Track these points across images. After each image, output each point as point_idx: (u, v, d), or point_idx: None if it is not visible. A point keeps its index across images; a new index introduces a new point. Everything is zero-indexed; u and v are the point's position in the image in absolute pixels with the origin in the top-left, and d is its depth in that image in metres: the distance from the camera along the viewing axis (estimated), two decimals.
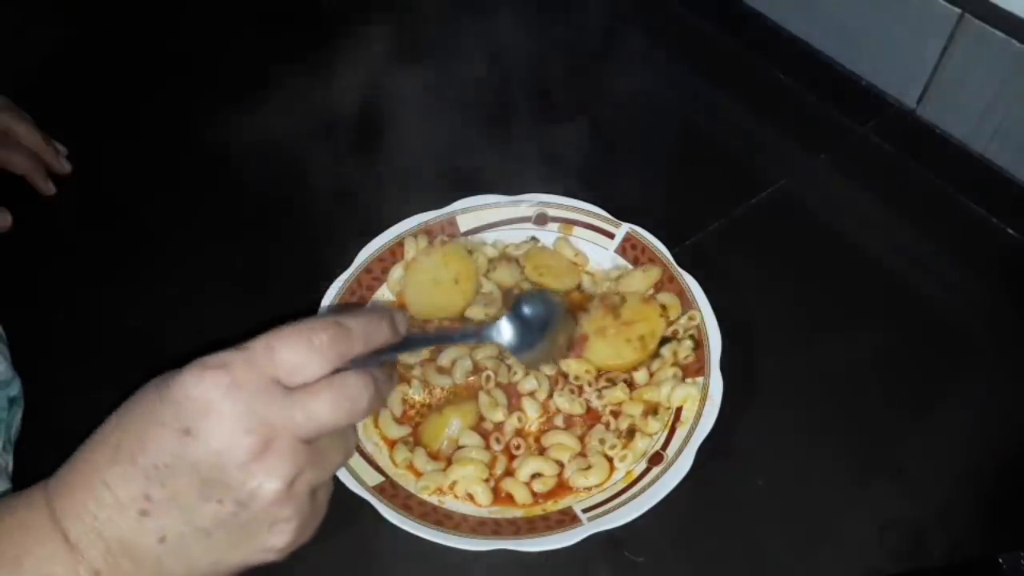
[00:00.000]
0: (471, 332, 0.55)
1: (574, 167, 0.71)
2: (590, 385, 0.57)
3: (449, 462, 0.53)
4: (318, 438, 0.36)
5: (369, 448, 0.54)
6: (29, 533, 0.35)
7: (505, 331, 0.51)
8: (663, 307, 0.59)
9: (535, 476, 0.53)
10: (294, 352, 0.36)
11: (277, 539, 0.37)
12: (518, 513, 0.52)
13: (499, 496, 0.53)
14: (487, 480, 0.53)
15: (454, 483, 0.52)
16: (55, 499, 0.36)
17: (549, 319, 0.53)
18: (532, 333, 0.51)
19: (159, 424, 0.35)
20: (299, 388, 0.36)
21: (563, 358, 0.57)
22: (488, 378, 0.57)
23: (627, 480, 0.52)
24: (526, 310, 0.52)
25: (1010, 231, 0.68)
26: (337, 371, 0.37)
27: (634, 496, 0.50)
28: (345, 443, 0.39)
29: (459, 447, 0.54)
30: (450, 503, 0.52)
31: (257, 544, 0.37)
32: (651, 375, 0.57)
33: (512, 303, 0.53)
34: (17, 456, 0.53)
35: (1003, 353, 0.60)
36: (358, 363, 0.38)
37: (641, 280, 0.61)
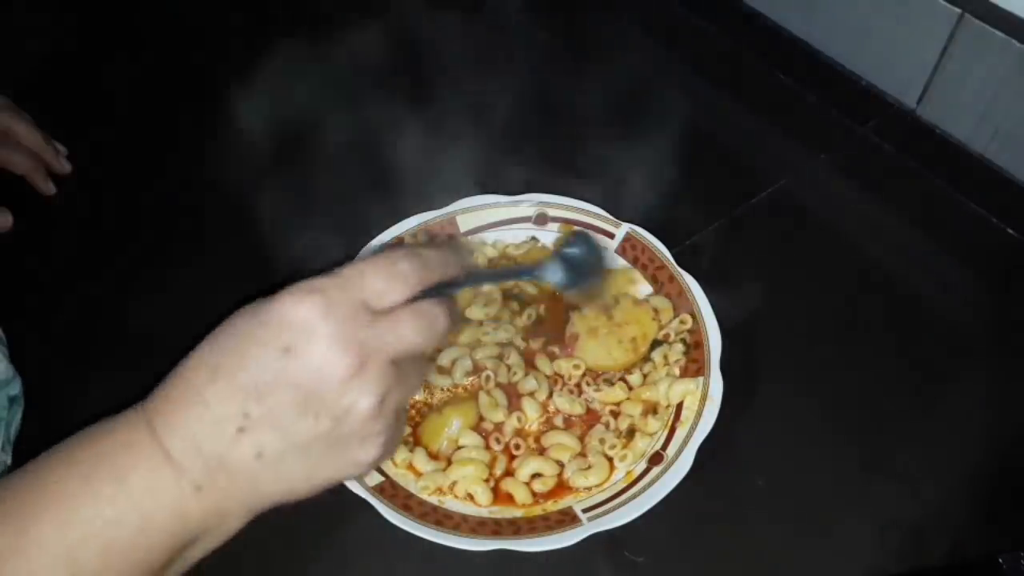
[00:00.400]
0: (527, 269, 0.56)
1: (574, 167, 0.71)
2: (588, 384, 0.57)
3: (449, 462, 0.53)
4: (402, 359, 0.39)
5: None
6: (132, 450, 0.37)
7: (555, 271, 0.51)
8: (655, 310, 0.59)
9: (535, 476, 0.53)
10: (380, 279, 0.38)
11: (367, 453, 0.39)
12: (518, 513, 0.52)
13: (499, 496, 0.53)
14: (487, 480, 0.53)
15: (454, 483, 0.52)
16: (155, 417, 0.37)
17: (596, 259, 0.53)
18: (581, 272, 0.52)
19: (259, 344, 0.37)
20: (385, 312, 0.38)
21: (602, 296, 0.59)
22: (488, 378, 0.57)
23: (627, 480, 0.52)
24: (571, 251, 0.52)
25: (1010, 231, 0.68)
26: (414, 299, 0.39)
27: (634, 496, 0.50)
28: (422, 366, 0.42)
29: (459, 447, 0.54)
30: (450, 503, 0.52)
31: (349, 458, 0.39)
32: (644, 377, 0.58)
33: (559, 245, 0.55)
34: (16, 455, 0.53)
35: (1003, 353, 0.60)
36: (429, 294, 0.40)
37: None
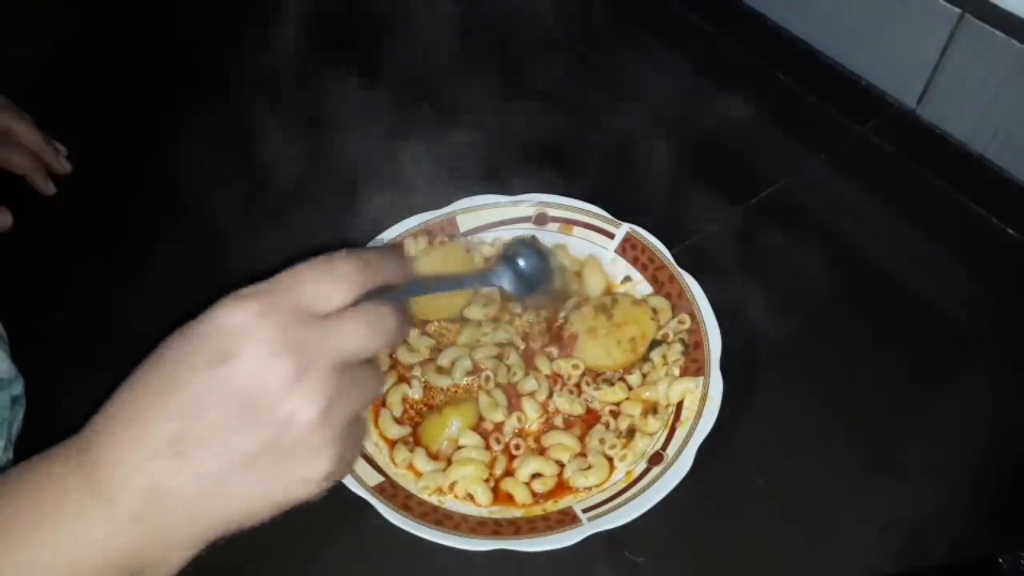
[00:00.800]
0: (475, 278, 0.54)
1: (574, 167, 0.71)
2: (588, 384, 0.57)
3: (449, 462, 0.53)
4: (351, 366, 0.36)
5: (369, 448, 0.54)
6: (57, 488, 0.35)
7: (505, 275, 0.50)
8: (654, 310, 0.59)
9: (535, 476, 0.53)
10: (320, 281, 0.36)
11: (317, 467, 0.36)
12: (518, 513, 0.52)
13: (499, 496, 0.53)
14: (487, 480, 0.53)
15: (454, 483, 0.52)
16: (89, 447, 0.35)
17: (544, 265, 0.52)
18: (530, 278, 0.50)
19: (194, 357, 0.35)
20: (329, 315, 0.36)
21: (562, 301, 0.59)
22: (488, 378, 0.57)
23: (627, 480, 0.52)
24: (521, 261, 0.51)
25: (1010, 231, 0.68)
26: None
27: (634, 496, 0.50)
28: (375, 374, 0.39)
29: (459, 447, 0.54)
30: (450, 503, 0.52)
31: (298, 474, 0.36)
32: (643, 377, 0.58)
33: (505, 251, 0.52)
34: (18, 455, 0.53)
35: (1003, 353, 0.60)
36: (375, 298, 0.38)
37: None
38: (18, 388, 0.55)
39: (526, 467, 0.53)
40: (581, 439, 0.55)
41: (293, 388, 0.34)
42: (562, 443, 0.55)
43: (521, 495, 0.52)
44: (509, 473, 0.54)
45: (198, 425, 0.34)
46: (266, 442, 0.35)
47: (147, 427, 0.34)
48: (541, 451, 0.55)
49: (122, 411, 0.36)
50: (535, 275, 0.51)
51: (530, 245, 0.52)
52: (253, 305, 0.35)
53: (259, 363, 0.34)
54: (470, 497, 0.52)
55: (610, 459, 0.54)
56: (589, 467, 0.53)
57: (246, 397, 0.34)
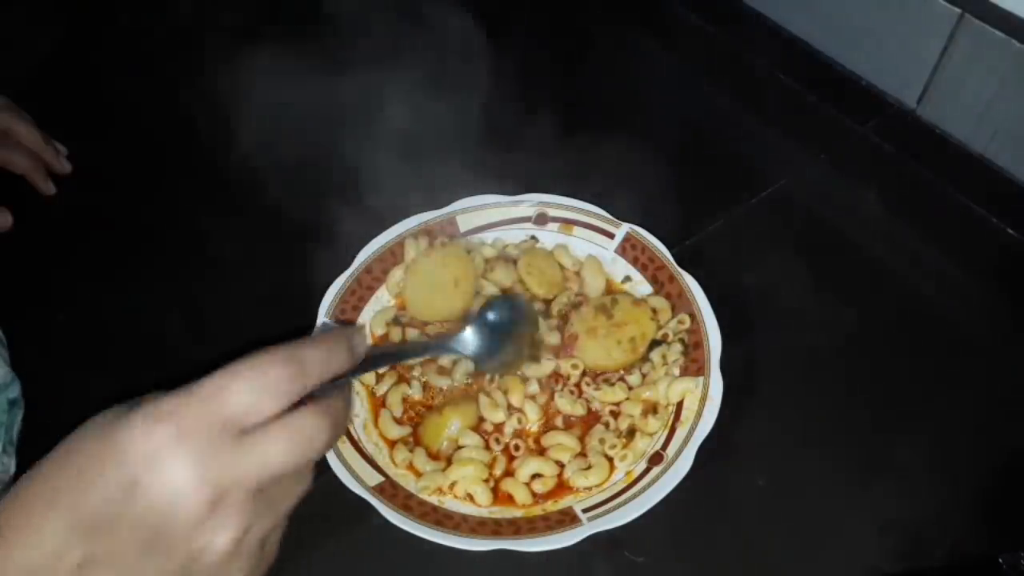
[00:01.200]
0: (433, 345, 0.54)
1: (574, 167, 0.71)
2: (588, 384, 0.57)
3: (449, 462, 0.54)
4: (272, 482, 0.34)
5: (369, 448, 0.54)
6: None
7: (469, 341, 0.50)
8: (653, 310, 0.59)
9: (535, 476, 0.53)
10: (247, 394, 0.33)
11: None
12: (518, 513, 0.52)
13: (499, 496, 0.53)
14: (487, 480, 0.53)
15: (454, 483, 0.52)
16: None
17: (513, 324, 0.52)
18: (496, 340, 0.50)
19: (104, 472, 0.32)
20: (252, 431, 0.34)
21: (530, 362, 0.56)
22: (492, 379, 0.57)
23: (627, 480, 0.52)
24: (491, 316, 0.51)
25: (1010, 231, 0.68)
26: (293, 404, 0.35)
27: (634, 496, 0.50)
28: (300, 482, 0.37)
29: (459, 447, 0.54)
30: (450, 503, 0.52)
31: None
32: (643, 377, 0.58)
33: (479, 310, 0.52)
34: (20, 458, 0.53)
35: (1002, 353, 0.60)
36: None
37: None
38: (15, 391, 0.55)
39: (526, 467, 0.53)
40: (581, 439, 0.55)
41: (206, 521, 0.33)
42: (562, 443, 0.55)
43: (521, 495, 0.52)
44: (509, 473, 0.54)
45: (103, 545, 0.32)
46: (174, 573, 0.33)
47: (52, 532, 0.32)
48: (541, 451, 0.55)
49: (29, 506, 0.33)
50: (504, 333, 0.50)
51: (501, 301, 0.52)
52: (170, 429, 0.32)
53: (172, 494, 0.32)
54: (470, 497, 0.52)
55: (610, 459, 0.54)
56: (589, 467, 0.53)
57: (155, 529, 0.32)
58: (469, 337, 0.50)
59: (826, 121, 0.78)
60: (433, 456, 0.54)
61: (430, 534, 0.48)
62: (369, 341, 0.42)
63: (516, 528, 0.50)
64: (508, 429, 0.56)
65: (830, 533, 0.51)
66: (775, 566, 0.50)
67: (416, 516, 0.49)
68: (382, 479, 0.51)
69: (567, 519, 0.50)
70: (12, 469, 0.53)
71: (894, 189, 0.72)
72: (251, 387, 0.33)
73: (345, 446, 0.52)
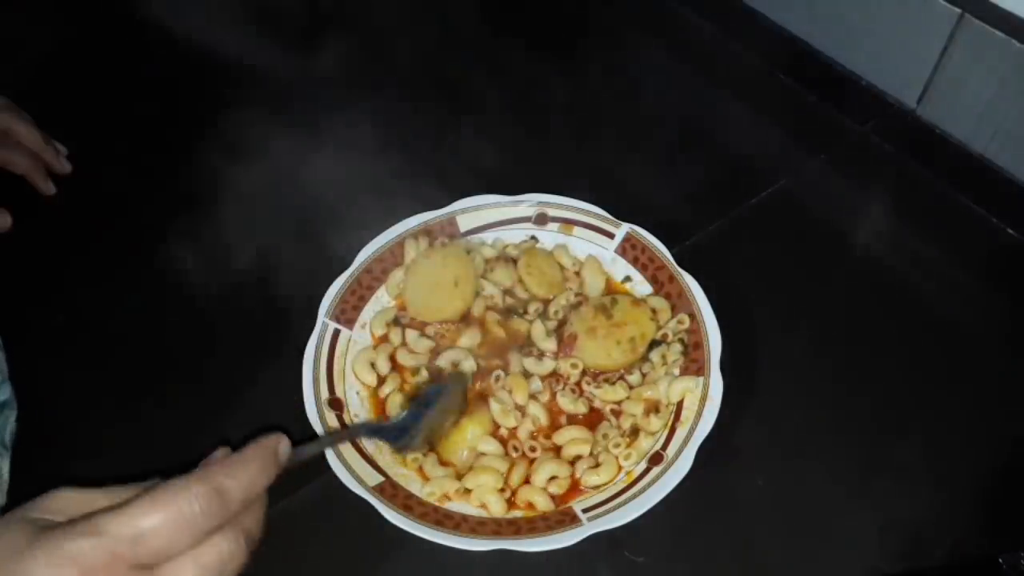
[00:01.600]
0: (367, 428, 0.54)
1: (574, 167, 0.71)
2: (588, 383, 0.57)
3: (468, 469, 0.53)
4: None
5: (369, 448, 0.54)
6: None
7: (394, 430, 0.51)
8: (653, 310, 0.59)
9: (551, 479, 0.53)
10: (163, 536, 0.33)
11: None
12: (518, 513, 0.52)
13: (515, 507, 0.52)
14: (502, 490, 0.52)
15: (462, 490, 0.52)
16: None
17: (439, 403, 0.53)
18: (419, 420, 0.51)
19: None
20: (163, 566, 0.33)
21: (444, 437, 0.55)
22: (498, 378, 0.57)
23: (627, 480, 0.52)
24: (423, 404, 0.52)
25: (1010, 231, 0.68)
26: None
27: (634, 496, 0.50)
28: None
29: (480, 454, 0.54)
30: (453, 506, 0.52)
31: None
32: (643, 376, 0.58)
33: (415, 399, 0.54)
34: (15, 457, 0.53)
35: (1003, 353, 0.60)
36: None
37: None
38: (6, 393, 0.55)
39: (543, 470, 0.53)
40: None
41: None
42: (576, 437, 0.54)
43: (542, 503, 0.52)
44: (526, 481, 0.53)
45: None
46: None
47: None
48: (556, 450, 0.55)
49: None
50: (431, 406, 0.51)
51: (438, 390, 0.53)
52: (72, 573, 0.31)
53: None
54: (484, 507, 0.52)
55: (616, 458, 0.54)
56: (598, 464, 0.53)
57: None
58: (397, 424, 0.51)
59: (826, 121, 0.78)
60: (456, 471, 0.54)
61: (430, 534, 0.48)
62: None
63: (516, 528, 0.50)
64: (522, 433, 0.55)
65: (830, 533, 0.51)
66: (775, 566, 0.50)
67: (416, 516, 0.49)
68: (382, 479, 0.51)
69: (567, 519, 0.50)
70: (5, 472, 0.52)
71: (894, 189, 0.72)
72: (168, 528, 0.33)
73: (345, 446, 0.52)
